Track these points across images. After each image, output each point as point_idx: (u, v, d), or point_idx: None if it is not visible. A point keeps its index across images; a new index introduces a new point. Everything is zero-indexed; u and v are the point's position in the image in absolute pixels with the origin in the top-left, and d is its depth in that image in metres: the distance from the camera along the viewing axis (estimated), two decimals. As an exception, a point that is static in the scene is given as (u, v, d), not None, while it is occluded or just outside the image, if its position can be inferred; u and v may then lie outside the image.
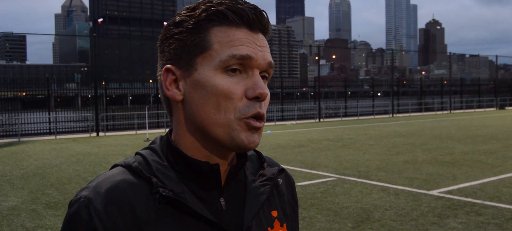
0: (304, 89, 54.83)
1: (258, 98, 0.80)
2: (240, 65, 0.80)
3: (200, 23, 0.81)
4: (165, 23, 0.94)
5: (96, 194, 0.78)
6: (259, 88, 0.79)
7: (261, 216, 0.88)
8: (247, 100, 0.80)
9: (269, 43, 0.87)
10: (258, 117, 0.81)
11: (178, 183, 0.81)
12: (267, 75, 0.84)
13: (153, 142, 0.89)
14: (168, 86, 0.83)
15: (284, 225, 0.93)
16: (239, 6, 0.81)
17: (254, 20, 0.82)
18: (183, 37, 0.82)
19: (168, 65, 0.83)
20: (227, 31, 0.80)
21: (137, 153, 0.88)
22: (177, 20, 0.83)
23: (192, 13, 0.82)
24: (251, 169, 0.93)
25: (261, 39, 0.83)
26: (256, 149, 0.90)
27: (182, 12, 0.84)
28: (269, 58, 0.83)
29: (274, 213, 0.92)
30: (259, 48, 0.82)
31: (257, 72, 0.81)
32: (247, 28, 0.82)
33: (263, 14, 0.83)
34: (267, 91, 0.82)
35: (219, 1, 0.81)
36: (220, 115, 0.79)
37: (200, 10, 0.81)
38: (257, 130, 0.81)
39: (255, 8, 0.82)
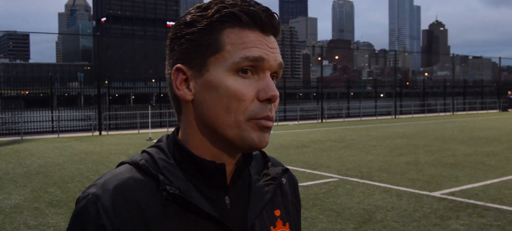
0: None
1: (270, 100, 0.81)
2: (252, 67, 0.80)
3: (212, 24, 0.80)
4: (168, 22, 0.93)
5: (104, 191, 0.78)
6: (271, 90, 0.80)
7: (264, 215, 0.89)
8: (258, 102, 0.80)
9: None
10: (268, 119, 0.81)
11: (185, 181, 0.82)
12: (276, 75, 0.85)
13: (160, 140, 0.90)
14: (178, 86, 0.83)
15: (287, 224, 0.93)
16: (252, 8, 0.80)
17: (267, 23, 0.82)
18: (195, 37, 0.81)
19: (179, 65, 0.83)
20: (240, 33, 0.80)
21: (143, 151, 0.88)
22: (188, 20, 0.83)
23: (204, 13, 0.82)
24: (255, 168, 0.93)
25: (272, 41, 0.83)
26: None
27: (192, 11, 0.84)
28: (280, 59, 0.84)
29: (277, 213, 0.93)
30: (270, 50, 0.82)
31: (268, 74, 0.81)
32: (260, 30, 0.81)
33: (275, 17, 0.83)
34: (278, 93, 0.82)
35: (231, 2, 0.81)
36: (229, 117, 0.79)
37: (212, 11, 0.81)
38: (267, 129, 0.81)
39: (267, 10, 0.82)
